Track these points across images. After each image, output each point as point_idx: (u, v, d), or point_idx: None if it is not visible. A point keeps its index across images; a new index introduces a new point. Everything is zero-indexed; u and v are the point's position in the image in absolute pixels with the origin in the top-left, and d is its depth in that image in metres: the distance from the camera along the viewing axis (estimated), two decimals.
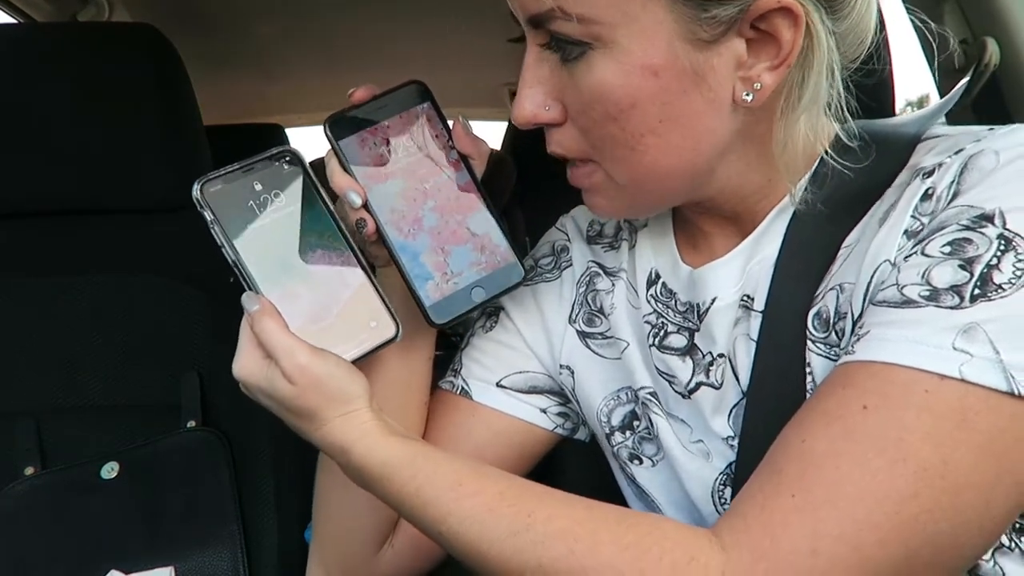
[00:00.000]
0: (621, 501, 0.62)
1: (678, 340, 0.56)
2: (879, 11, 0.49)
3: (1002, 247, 0.40)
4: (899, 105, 0.56)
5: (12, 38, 0.88)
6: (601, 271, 0.63)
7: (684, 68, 0.44)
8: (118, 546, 0.74)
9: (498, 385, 0.62)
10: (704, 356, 0.54)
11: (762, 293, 0.51)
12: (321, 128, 0.53)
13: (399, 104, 0.55)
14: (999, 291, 0.39)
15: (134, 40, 0.86)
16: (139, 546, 0.74)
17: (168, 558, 0.74)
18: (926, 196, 0.45)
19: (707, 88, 0.45)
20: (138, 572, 0.73)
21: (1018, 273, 0.39)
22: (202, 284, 0.85)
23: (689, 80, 0.45)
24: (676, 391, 0.56)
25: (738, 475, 0.51)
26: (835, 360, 0.45)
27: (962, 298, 0.40)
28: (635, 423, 0.59)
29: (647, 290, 0.59)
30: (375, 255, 0.55)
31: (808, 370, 0.48)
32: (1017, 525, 0.44)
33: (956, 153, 0.45)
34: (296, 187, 0.52)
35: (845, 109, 0.48)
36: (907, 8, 0.80)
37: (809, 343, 0.48)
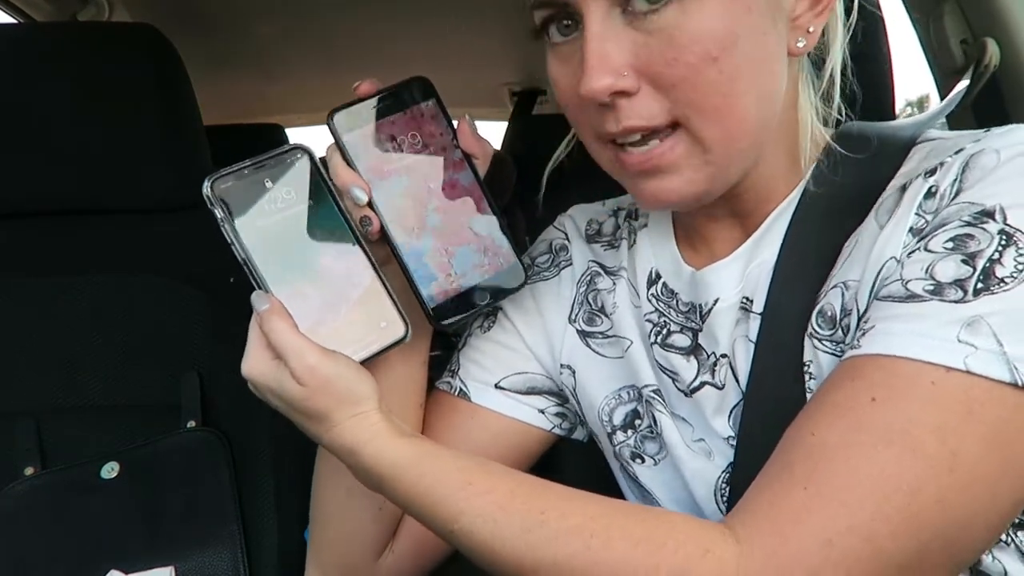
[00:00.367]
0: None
1: (682, 339, 0.56)
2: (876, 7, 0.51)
3: (1003, 242, 0.41)
4: (899, 105, 0.57)
5: (12, 38, 0.88)
6: (602, 270, 0.63)
7: (767, 7, 0.45)
8: (118, 546, 0.74)
9: (496, 386, 0.62)
10: (708, 356, 0.54)
11: (761, 296, 0.51)
12: (320, 126, 0.52)
13: (404, 100, 0.54)
14: (1001, 285, 0.40)
15: (134, 40, 0.86)
16: (139, 546, 0.74)
17: (168, 558, 0.74)
18: (929, 194, 0.45)
19: (779, 30, 0.46)
20: (138, 572, 0.73)
21: (1019, 267, 0.40)
22: (202, 284, 0.85)
23: (769, 19, 0.45)
24: (679, 389, 0.56)
25: (736, 475, 0.52)
26: (840, 356, 0.46)
27: (965, 292, 0.40)
28: (637, 422, 0.59)
29: (647, 289, 0.59)
30: (375, 253, 0.54)
31: (808, 369, 0.48)
32: (1017, 520, 0.45)
33: (957, 153, 0.46)
34: (307, 185, 0.51)
35: (845, 105, 0.50)
36: (907, 8, 0.81)
37: (815, 341, 0.48)
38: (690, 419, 0.56)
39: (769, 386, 0.50)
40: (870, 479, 0.39)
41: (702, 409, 0.54)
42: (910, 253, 0.44)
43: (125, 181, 0.86)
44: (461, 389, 0.63)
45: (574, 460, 0.75)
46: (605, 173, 0.53)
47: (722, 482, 0.53)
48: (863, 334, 0.43)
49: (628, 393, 0.60)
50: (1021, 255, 0.40)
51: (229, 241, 0.49)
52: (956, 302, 0.40)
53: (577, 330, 0.63)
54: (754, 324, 0.52)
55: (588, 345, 0.62)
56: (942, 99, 0.60)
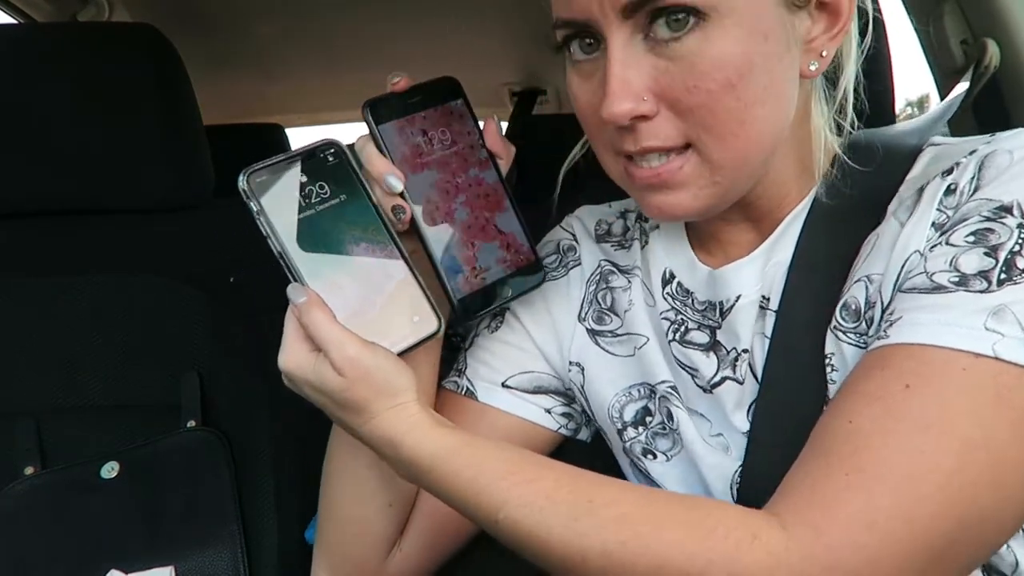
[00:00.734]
0: None
1: (700, 336, 0.57)
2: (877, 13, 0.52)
3: (1023, 235, 0.43)
4: (899, 105, 0.57)
5: (12, 38, 0.88)
6: (615, 269, 0.64)
7: (784, 32, 0.47)
8: (118, 546, 0.74)
9: (504, 385, 0.62)
10: (728, 352, 0.56)
11: (776, 294, 0.53)
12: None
13: (435, 98, 0.55)
14: (1023, 275, 0.42)
15: (134, 40, 0.86)
16: (139, 546, 0.74)
17: (168, 558, 0.74)
18: (949, 191, 0.47)
19: (793, 55, 0.48)
20: (138, 572, 0.73)
21: None
22: (202, 284, 0.85)
23: (783, 45, 0.47)
24: (697, 385, 0.57)
25: (747, 467, 0.53)
26: (864, 347, 0.48)
27: (989, 282, 0.42)
28: (648, 418, 0.60)
29: (662, 288, 0.60)
30: (403, 246, 0.54)
31: (830, 362, 0.50)
32: None
33: (971, 153, 0.48)
34: (341, 179, 0.51)
35: (853, 115, 0.52)
36: (907, 8, 0.81)
37: (839, 333, 0.50)
38: (708, 415, 0.57)
39: (784, 380, 0.51)
40: (908, 462, 0.40)
41: (722, 404, 0.55)
42: (932, 247, 0.46)
43: (125, 181, 0.86)
44: (468, 388, 0.63)
45: (578, 461, 0.75)
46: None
47: (738, 476, 0.54)
48: (890, 325, 0.45)
49: (639, 390, 0.60)
50: None
51: (265, 234, 0.49)
52: (981, 292, 0.42)
53: (587, 328, 0.63)
54: (770, 321, 0.53)
55: (598, 343, 0.63)
56: (942, 99, 0.60)
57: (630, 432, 0.60)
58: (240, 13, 1.46)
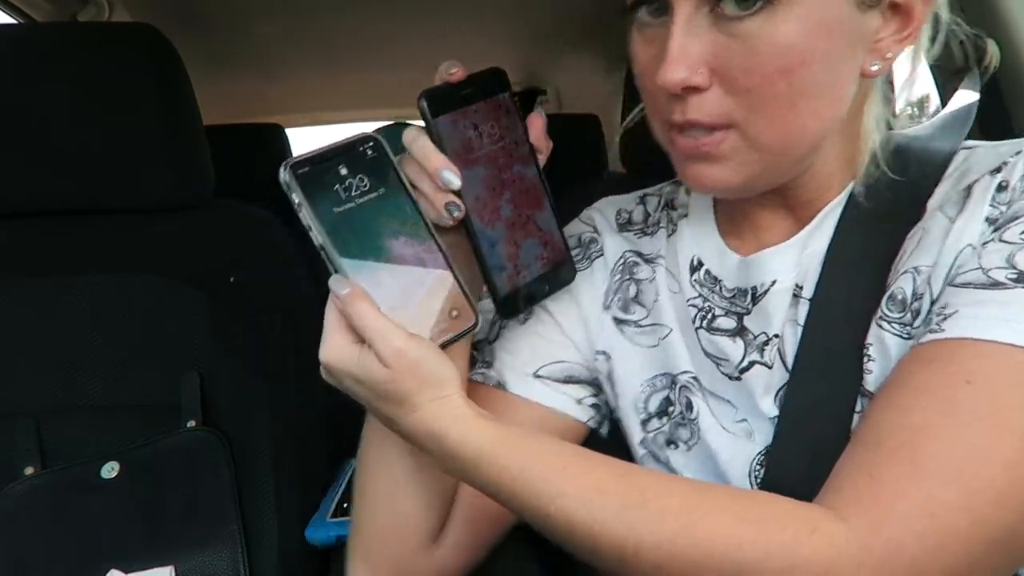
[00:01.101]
0: None
1: (727, 322, 0.57)
2: None
3: None
4: (899, 105, 0.57)
5: (12, 38, 0.88)
6: (639, 258, 0.64)
7: (849, 30, 0.46)
8: (118, 546, 0.75)
9: (535, 375, 0.62)
10: (757, 337, 0.56)
11: (810, 283, 0.54)
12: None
13: (485, 90, 0.54)
14: None
15: (134, 40, 0.86)
16: (139, 546, 0.75)
17: (168, 558, 0.74)
18: (1001, 188, 0.48)
19: (856, 53, 0.47)
20: (138, 572, 0.73)
21: None
22: (202, 284, 0.85)
23: (847, 43, 0.47)
24: (723, 372, 0.57)
25: (773, 453, 0.53)
26: (908, 339, 0.48)
27: None
28: (670, 408, 0.60)
29: (690, 276, 0.60)
30: (445, 241, 0.53)
31: (867, 351, 0.50)
32: None
33: (1017, 154, 0.49)
34: (381, 173, 0.51)
35: (904, 116, 0.53)
36: None
37: (883, 323, 0.50)
38: (735, 401, 0.57)
39: (816, 368, 0.52)
40: (964, 454, 0.41)
41: (750, 389, 0.55)
42: (985, 243, 0.46)
43: (125, 181, 0.86)
44: (498, 380, 0.62)
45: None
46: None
47: (756, 463, 0.54)
48: (944, 319, 0.45)
49: (662, 380, 0.61)
50: None
51: (306, 226, 0.49)
52: None
53: (613, 317, 0.63)
54: (803, 309, 0.53)
55: (623, 333, 0.63)
56: (943, 100, 0.61)
57: (654, 423, 0.61)
58: (240, 13, 1.46)
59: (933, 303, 0.48)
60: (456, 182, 0.51)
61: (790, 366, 0.54)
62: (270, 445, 0.81)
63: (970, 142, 0.54)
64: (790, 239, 0.55)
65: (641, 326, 0.62)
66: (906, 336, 0.49)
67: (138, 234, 0.88)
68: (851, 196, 0.54)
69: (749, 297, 0.56)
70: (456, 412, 0.48)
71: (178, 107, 0.87)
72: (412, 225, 0.51)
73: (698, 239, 0.60)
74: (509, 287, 0.54)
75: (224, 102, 1.96)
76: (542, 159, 0.56)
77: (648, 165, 0.94)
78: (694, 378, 0.58)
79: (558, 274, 0.56)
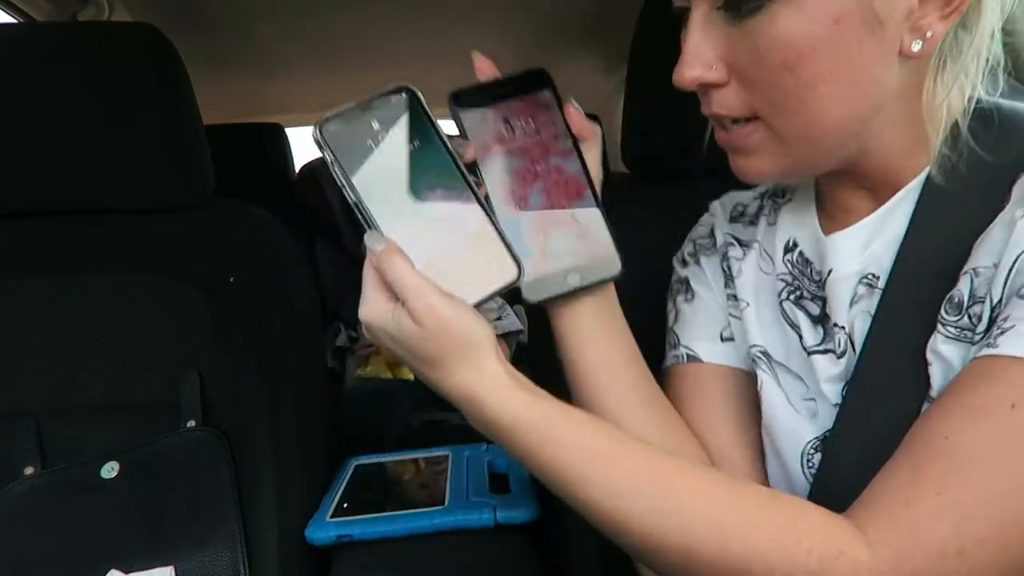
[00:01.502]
0: None
1: (812, 307, 0.57)
2: None
3: None
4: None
5: (12, 38, 0.87)
6: (736, 242, 0.66)
7: (864, 16, 0.45)
8: (118, 546, 0.74)
9: (722, 339, 0.64)
10: (831, 324, 0.55)
11: (885, 272, 0.52)
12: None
13: (521, 87, 0.56)
14: None
15: (134, 40, 0.86)
16: (139, 546, 0.74)
17: (168, 558, 0.74)
18: None
19: (881, 36, 0.46)
20: (138, 572, 0.73)
21: None
22: (202, 284, 0.85)
23: (866, 28, 0.45)
24: (803, 347, 0.57)
25: (831, 443, 0.52)
26: (966, 343, 0.46)
27: None
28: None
29: (783, 255, 0.60)
30: None
31: (928, 356, 0.48)
32: None
33: None
34: (414, 125, 0.50)
35: (997, 78, 0.49)
36: None
37: (940, 326, 0.47)
38: (806, 378, 0.56)
39: (882, 366, 0.50)
40: (1008, 487, 0.39)
41: (817, 371, 0.55)
42: None
43: (125, 181, 0.86)
44: (688, 355, 0.64)
45: None
46: None
47: (811, 447, 0.54)
48: (1001, 333, 0.42)
49: (739, 351, 0.63)
50: None
51: (340, 184, 0.49)
52: None
53: (726, 294, 0.66)
54: (876, 300, 0.52)
55: (729, 306, 0.65)
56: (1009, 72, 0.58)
57: None
58: (240, 13, 1.46)
59: (993, 309, 0.44)
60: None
61: (858, 358, 0.53)
62: (270, 445, 0.81)
63: None
64: (858, 223, 0.54)
65: (734, 299, 0.64)
66: (963, 340, 0.46)
67: (138, 234, 0.88)
68: (927, 179, 0.51)
69: (823, 280, 0.56)
70: (495, 380, 0.48)
71: (178, 107, 0.87)
72: (448, 176, 0.50)
73: (796, 222, 0.61)
74: (534, 274, 0.54)
75: (224, 102, 1.96)
76: (591, 146, 0.57)
77: (648, 165, 0.95)
78: (763, 352, 0.59)
79: (596, 267, 0.56)
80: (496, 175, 0.54)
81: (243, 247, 0.89)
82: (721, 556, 0.43)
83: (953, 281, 0.48)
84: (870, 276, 0.53)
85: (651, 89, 0.83)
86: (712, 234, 0.69)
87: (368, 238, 0.49)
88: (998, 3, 0.47)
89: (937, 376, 0.47)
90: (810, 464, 0.54)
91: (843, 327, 0.54)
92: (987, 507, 0.39)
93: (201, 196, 0.90)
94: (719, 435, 0.60)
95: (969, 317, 0.46)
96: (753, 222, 0.66)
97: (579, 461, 0.46)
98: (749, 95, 0.49)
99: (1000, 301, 0.44)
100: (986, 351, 0.43)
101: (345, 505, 0.84)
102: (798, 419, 0.56)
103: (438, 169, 0.50)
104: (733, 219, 0.68)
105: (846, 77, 0.46)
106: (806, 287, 0.58)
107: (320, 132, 0.49)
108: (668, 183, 0.86)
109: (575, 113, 0.56)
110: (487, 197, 0.53)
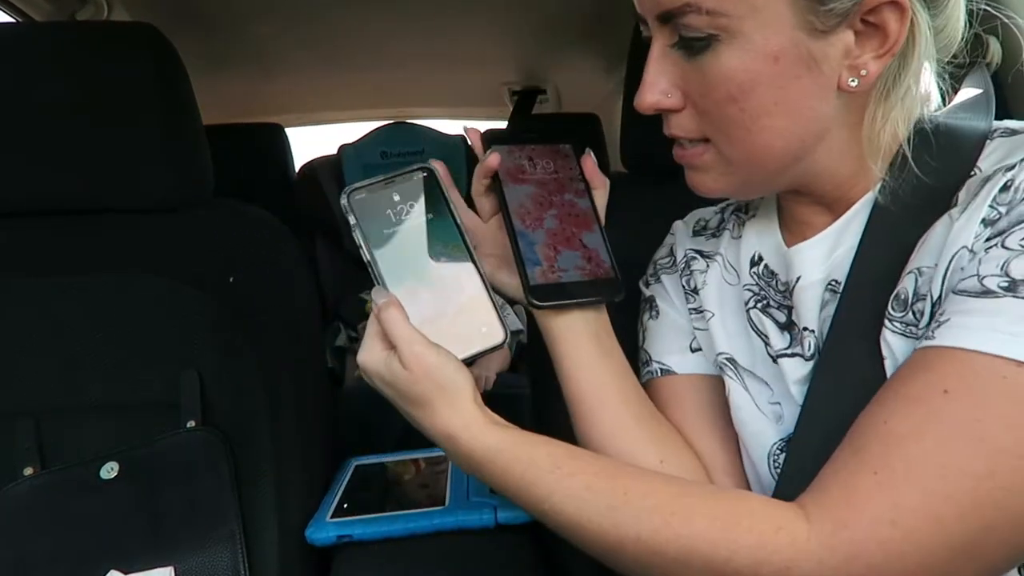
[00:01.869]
0: None
1: (779, 315, 0.60)
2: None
3: None
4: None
5: (11, 37, 0.87)
6: (698, 255, 0.70)
7: (800, 55, 0.49)
8: (118, 546, 0.74)
9: (691, 350, 0.68)
10: (799, 331, 0.58)
11: (844, 278, 0.55)
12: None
13: (545, 137, 0.66)
14: None
15: (134, 39, 0.86)
16: (139, 546, 0.74)
17: (168, 558, 0.74)
18: (1005, 188, 0.47)
19: (818, 74, 0.50)
20: (138, 572, 0.73)
21: None
22: (202, 284, 0.85)
23: (803, 66, 0.49)
24: (768, 353, 0.60)
25: (794, 443, 0.55)
26: (912, 338, 0.49)
27: None
28: None
29: (750, 268, 0.63)
30: (489, 254, 0.64)
31: (881, 350, 0.51)
32: None
33: None
34: (432, 200, 0.59)
35: (936, 101, 0.53)
36: None
37: (887, 322, 0.51)
38: (772, 383, 0.60)
39: (839, 362, 0.53)
40: (938, 464, 0.42)
41: (785, 375, 0.58)
42: (987, 249, 0.46)
43: (125, 181, 0.86)
44: (662, 368, 0.68)
45: None
46: None
47: (776, 448, 0.58)
48: (938, 326, 0.46)
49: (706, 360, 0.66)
50: None
51: (358, 244, 0.57)
52: None
53: (688, 308, 0.69)
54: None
55: (692, 319, 0.69)
56: (943, 98, 0.61)
57: None
58: (240, 13, 1.46)
59: (934, 306, 0.48)
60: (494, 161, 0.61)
61: (817, 358, 0.56)
62: (270, 445, 0.81)
63: (1010, 123, 0.54)
64: (820, 233, 0.57)
65: (698, 311, 0.67)
66: (911, 336, 0.50)
67: (138, 234, 0.88)
68: (881, 187, 0.54)
69: (789, 290, 0.59)
70: (468, 417, 0.54)
71: (178, 107, 0.87)
72: (454, 248, 0.58)
73: (760, 236, 0.64)
74: (542, 280, 0.60)
75: (224, 102, 1.96)
76: (600, 194, 0.65)
77: (648, 165, 0.95)
78: (729, 359, 0.62)
79: (599, 288, 0.62)
80: (516, 196, 0.62)
81: (243, 247, 0.89)
82: (670, 541, 0.46)
83: (899, 281, 0.51)
84: (833, 282, 0.56)
85: None
86: (672, 253, 0.73)
87: (375, 292, 0.56)
88: (931, 38, 0.50)
89: (889, 368, 0.50)
90: (776, 464, 0.58)
91: (813, 330, 0.57)
92: (919, 483, 0.42)
93: (201, 196, 0.90)
94: (700, 441, 0.64)
95: (913, 313, 0.50)
96: (715, 235, 0.70)
97: (543, 477, 0.51)
98: (701, 121, 0.54)
99: (940, 298, 0.48)
100: (924, 343, 0.46)
101: (345, 505, 0.84)
102: (764, 421, 0.59)
103: (445, 240, 0.58)
104: (696, 233, 0.72)
105: (787, 110, 0.51)
106: (772, 296, 0.61)
107: (348, 199, 0.57)
108: (667, 183, 0.86)
109: (590, 162, 0.65)
110: (506, 212, 0.60)
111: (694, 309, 0.68)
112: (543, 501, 0.51)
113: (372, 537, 0.79)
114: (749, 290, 0.63)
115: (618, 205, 0.68)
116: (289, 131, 2.03)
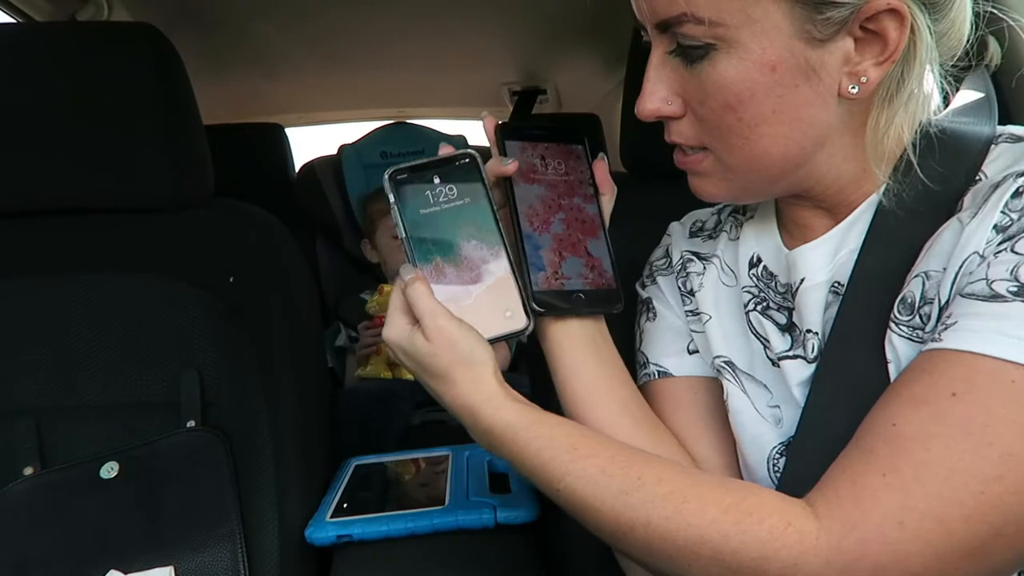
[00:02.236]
0: None
1: (779, 316, 0.60)
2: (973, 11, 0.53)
3: None
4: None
5: (11, 37, 0.88)
6: (695, 257, 0.69)
7: (798, 64, 0.49)
8: (118, 546, 0.74)
9: (689, 352, 0.67)
10: (800, 332, 0.58)
11: (846, 281, 0.55)
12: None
13: (559, 136, 0.65)
14: None
15: (134, 39, 0.86)
16: (139, 546, 0.74)
17: (168, 558, 0.74)
18: (1017, 193, 0.47)
19: (817, 82, 0.50)
20: (138, 572, 0.73)
21: None
22: (202, 284, 0.85)
23: (801, 75, 0.49)
24: (768, 356, 0.60)
25: (794, 445, 0.55)
26: (918, 342, 0.49)
27: None
28: None
29: (748, 270, 0.63)
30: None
31: (886, 353, 0.51)
32: None
33: None
34: (469, 185, 0.60)
35: (938, 103, 0.53)
36: None
37: (892, 325, 0.51)
38: (771, 386, 0.60)
39: (841, 365, 0.53)
40: (946, 467, 0.42)
41: (786, 377, 0.58)
42: (997, 253, 0.46)
43: (125, 181, 0.86)
44: (659, 371, 0.68)
45: None
46: None
47: (776, 452, 0.58)
48: (945, 328, 0.45)
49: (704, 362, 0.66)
50: None
51: (395, 222, 0.58)
52: None
53: (684, 310, 0.69)
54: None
55: (690, 320, 0.69)
56: (944, 99, 0.61)
57: None
58: (240, 13, 1.46)
59: (942, 309, 0.48)
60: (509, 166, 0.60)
61: (819, 360, 0.55)
62: (270, 445, 0.81)
63: (1014, 128, 0.54)
64: (823, 235, 0.57)
65: (694, 313, 0.67)
66: (916, 339, 0.50)
67: (138, 234, 0.88)
68: (885, 190, 0.54)
69: (791, 293, 0.58)
70: (489, 391, 0.55)
71: (178, 107, 0.87)
72: (487, 232, 0.59)
73: (759, 238, 0.64)
74: (545, 287, 0.60)
75: (224, 102, 1.96)
76: (607, 200, 0.65)
77: (648, 165, 0.95)
78: (727, 362, 0.62)
79: (601, 297, 0.62)
80: (525, 197, 0.61)
81: (243, 247, 0.89)
82: (680, 529, 0.47)
83: (905, 284, 0.51)
84: (836, 284, 0.56)
85: None
86: (668, 255, 0.72)
87: (402, 269, 0.57)
88: (932, 44, 0.50)
89: (893, 371, 0.50)
90: (776, 468, 0.57)
91: (816, 332, 0.56)
92: (927, 485, 0.42)
93: (201, 196, 0.90)
94: (698, 444, 0.64)
95: (920, 317, 0.50)
96: (712, 236, 0.70)
97: (561, 457, 0.52)
98: (700, 128, 0.54)
99: (948, 301, 0.47)
100: (931, 345, 0.46)
101: (345, 505, 0.84)
102: (764, 425, 0.59)
103: (479, 224, 0.59)
104: (693, 234, 0.72)
105: (785, 118, 0.51)
106: (772, 298, 0.61)
107: (389, 178, 0.58)
108: (666, 183, 0.86)
109: (602, 167, 0.64)
110: (515, 213, 0.60)
111: (690, 311, 0.68)
112: (558, 481, 0.51)
113: (372, 537, 0.79)
114: (748, 292, 0.63)
115: (618, 206, 0.68)
116: (289, 131, 2.03)
